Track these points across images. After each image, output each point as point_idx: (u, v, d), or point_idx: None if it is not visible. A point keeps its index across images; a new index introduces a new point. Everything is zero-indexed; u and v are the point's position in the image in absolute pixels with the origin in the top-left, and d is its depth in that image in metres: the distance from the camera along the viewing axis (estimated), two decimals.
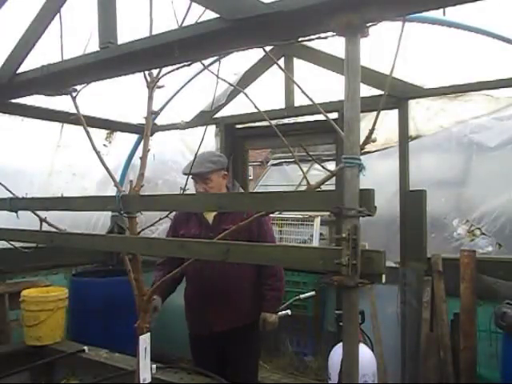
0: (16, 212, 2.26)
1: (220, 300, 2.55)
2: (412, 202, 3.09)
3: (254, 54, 3.55)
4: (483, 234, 2.98)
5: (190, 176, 2.55)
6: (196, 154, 2.26)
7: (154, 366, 2.20)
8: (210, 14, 1.45)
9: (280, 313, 3.33)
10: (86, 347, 2.77)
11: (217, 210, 2.38)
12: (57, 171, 4.08)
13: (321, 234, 4.61)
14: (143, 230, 2.00)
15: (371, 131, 1.29)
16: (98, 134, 4.19)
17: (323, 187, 1.37)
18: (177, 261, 2.44)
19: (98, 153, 1.97)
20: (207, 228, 2.57)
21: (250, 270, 2.63)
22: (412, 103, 3.17)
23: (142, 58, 1.68)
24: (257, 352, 2.78)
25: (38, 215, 2.24)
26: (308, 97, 1.44)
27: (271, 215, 3.40)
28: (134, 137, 4.47)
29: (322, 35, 1.34)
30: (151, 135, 2.30)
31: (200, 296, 2.61)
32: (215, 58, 2.60)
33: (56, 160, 4.07)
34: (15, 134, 3.67)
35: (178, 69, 1.80)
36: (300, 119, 3.71)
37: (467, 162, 3.06)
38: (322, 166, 1.41)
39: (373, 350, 2.58)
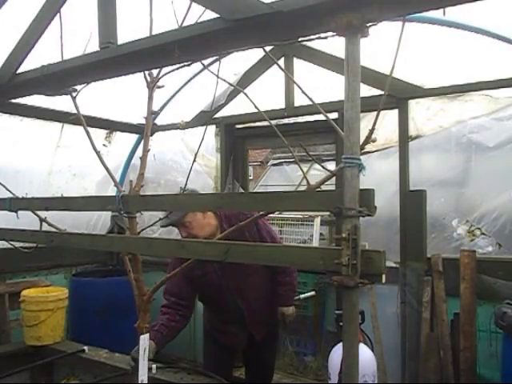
0: (16, 212, 2.26)
1: (255, 309, 2.56)
2: (412, 202, 3.09)
3: (254, 54, 3.55)
4: (483, 234, 2.97)
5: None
6: (196, 155, 2.26)
7: (154, 366, 2.20)
8: (210, 14, 1.45)
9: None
10: (85, 347, 2.77)
11: (217, 210, 2.39)
12: (56, 171, 4.08)
13: (321, 234, 4.61)
14: (143, 229, 2.01)
15: (371, 131, 1.29)
16: (98, 134, 4.19)
17: (323, 187, 1.37)
18: (185, 303, 2.48)
19: (98, 153, 1.97)
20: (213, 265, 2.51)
21: (265, 268, 2.62)
22: (412, 103, 3.16)
23: (142, 58, 1.68)
24: (276, 348, 2.89)
25: (38, 215, 2.24)
26: (308, 97, 1.44)
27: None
28: (134, 137, 4.47)
29: (322, 35, 1.34)
30: (151, 135, 2.30)
31: (231, 313, 2.58)
32: (215, 57, 2.60)
33: (56, 160, 4.06)
34: (15, 134, 3.67)
35: (178, 69, 1.80)
36: (300, 119, 3.71)
37: (467, 161, 3.06)
38: (322, 166, 1.41)
39: (373, 350, 2.57)
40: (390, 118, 3.22)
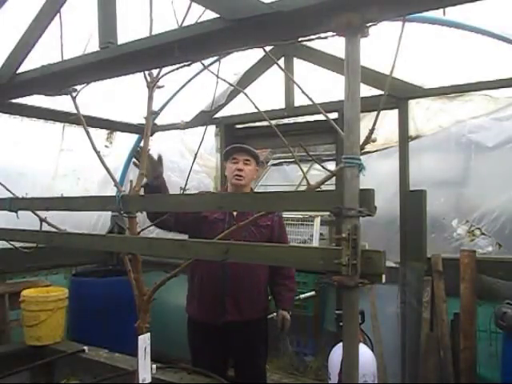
0: (16, 212, 2.26)
1: (238, 289, 2.52)
2: (412, 202, 3.09)
3: (254, 54, 3.55)
4: (483, 234, 2.97)
5: (230, 159, 2.62)
6: (196, 154, 2.27)
7: (154, 366, 2.20)
8: (210, 14, 1.45)
9: None
10: (85, 347, 2.77)
11: (217, 210, 2.39)
12: (61, 175, 4.07)
13: (321, 234, 4.61)
14: (143, 230, 2.01)
15: (371, 131, 1.29)
16: (99, 135, 4.19)
17: (323, 187, 1.37)
18: (181, 220, 2.53)
19: (98, 153, 1.97)
20: (231, 216, 2.57)
21: (269, 267, 2.64)
22: (412, 103, 3.16)
23: (142, 58, 1.68)
24: (265, 350, 2.76)
25: (38, 215, 2.25)
26: (308, 97, 1.44)
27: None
28: (135, 137, 4.47)
29: (322, 35, 1.34)
30: (151, 135, 2.31)
31: (215, 284, 2.54)
32: (215, 57, 2.60)
33: (60, 163, 4.05)
34: (16, 135, 3.67)
35: (177, 69, 1.80)
36: (300, 119, 3.71)
37: (466, 161, 3.07)
38: (322, 166, 1.41)
39: (373, 350, 2.58)
40: (390, 118, 3.22)
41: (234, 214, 2.59)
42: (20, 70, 2.08)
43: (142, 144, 1.99)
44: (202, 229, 2.54)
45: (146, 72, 1.86)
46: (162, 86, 1.94)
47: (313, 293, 3.70)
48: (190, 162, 3.99)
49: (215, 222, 2.56)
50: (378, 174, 3.27)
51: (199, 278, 2.62)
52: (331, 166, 4.24)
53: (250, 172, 2.62)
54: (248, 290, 2.56)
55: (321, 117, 3.35)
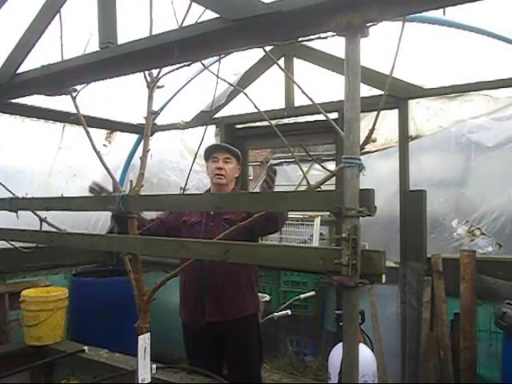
0: (16, 212, 2.26)
1: (216, 290, 2.50)
2: (412, 202, 3.09)
3: (254, 54, 3.55)
4: (483, 234, 2.97)
5: (211, 158, 2.61)
6: (196, 154, 2.27)
7: (154, 366, 2.20)
8: (210, 14, 1.45)
9: (280, 313, 3.33)
10: (85, 347, 2.77)
11: (216, 210, 2.39)
12: (57, 172, 4.07)
13: (321, 234, 4.62)
14: (143, 230, 2.01)
15: (371, 131, 1.29)
16: (99, 135, 4.19)
17: (323, 187, 1.37)
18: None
19: (98, 153, 1.97)
20: (208, 217, 2.57)
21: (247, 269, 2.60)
22: (412, 103, 3.16)
23: (142, 58, 1.68)
24: (257, 349, 2.68)
25: (38, 215, 2.25)
26: (308, 97, 1.44)
27: None
28: (135, 137, 4.47)
29: (322, 35, 1.34)
30: (151, 135, 2.31)
31: (194, 286, 2.54)
32: (215, 58, 2.60)
33: (57, 161, 4.05)
34: (16, 135, 3.67)
35: (177, 69, 1.81)
36: (300, 119, 3.71)
37: (466, 161, 3.07)
38: (322, 166, 1.41)
39: (373, 350, 2.58)
40: (390, 118, 3.22)
41: (212, 213, 2.57)
42: (20, 70, 2.08)
43: (141, 145, 1.99)
44: (182, 234, 2.54)
45: (146, 72, 1.86)
46: (162, 86, 1.94)
47: (313, 293, 3.71)
48: (190, 161, 4.00)
49: (192, 226, 2.57)
50: (378, 174, 3.27)
51: (183, 280, 2.64)
52: (331, 166, 4.24)
53: (231, 170, 2.60)
54: (227, 290, 2.52)
55: (321, 117, 3.35)
